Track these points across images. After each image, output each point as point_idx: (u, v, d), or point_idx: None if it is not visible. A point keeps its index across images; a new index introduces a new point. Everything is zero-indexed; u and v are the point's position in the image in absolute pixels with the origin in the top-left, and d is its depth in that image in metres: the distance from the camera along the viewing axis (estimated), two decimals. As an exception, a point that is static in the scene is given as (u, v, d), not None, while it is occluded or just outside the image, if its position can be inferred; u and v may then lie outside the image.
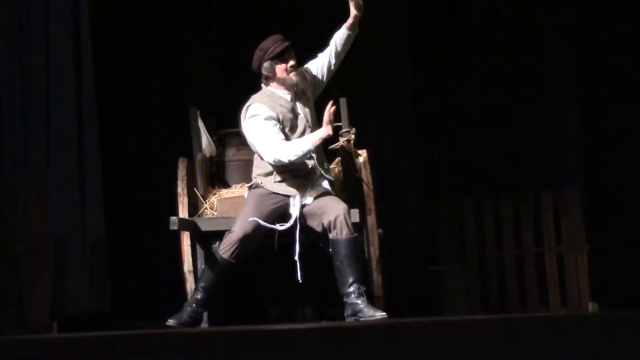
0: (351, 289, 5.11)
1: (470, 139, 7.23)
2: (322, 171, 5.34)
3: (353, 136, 5.41)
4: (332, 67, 5.51)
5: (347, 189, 5.51)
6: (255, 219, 5.19)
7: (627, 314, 3.92)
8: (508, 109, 7.24)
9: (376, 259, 5.37)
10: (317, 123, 5.40)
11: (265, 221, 5.20)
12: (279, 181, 5.32)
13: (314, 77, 5.49)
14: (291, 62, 5.38)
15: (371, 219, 5.38)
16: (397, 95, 7.11)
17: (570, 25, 7.18)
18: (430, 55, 7.27)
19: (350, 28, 5.43)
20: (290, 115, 5.37)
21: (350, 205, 5.38)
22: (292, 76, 5.40)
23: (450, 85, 7.24)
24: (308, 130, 5.38)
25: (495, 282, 6.98)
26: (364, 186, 5.43)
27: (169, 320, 5.19)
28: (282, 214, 5.28)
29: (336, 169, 5.65)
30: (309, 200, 5.25)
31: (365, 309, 5.07)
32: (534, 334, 3.76)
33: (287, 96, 5.41)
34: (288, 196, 5.28)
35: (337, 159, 5.64)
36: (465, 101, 7.23)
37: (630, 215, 6.99)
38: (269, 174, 5.35)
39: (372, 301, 5.23)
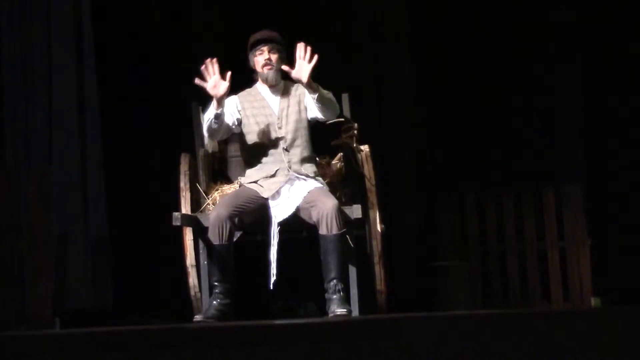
0: (330, 284, 5.10)
1: (471, 134, 7.22)
2: (296, 174, 5.29)
3: (355, 132, 5.41)
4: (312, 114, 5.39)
5: (350, 184, 5.51)
6: (226, 201, 5.21)
7: (630, 309, 3.91)
8: (510, 103, 7.24)
9: (378, 253, 5.37)
10: (299, 130, 5.37)
11: (239, 203, 5.19)
12: (253, 181, 5.32)
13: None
14: (264, 56, 5.35)
15: (373, 214, 5.38)
16: (398, 90, 7.11)
17: (572, 19, 7.19)
18: (431, 50, 7.27)
19: (309, 91, 5.23)
20: (261, 111, 5.37)
21: (353, 200, 5.39)
22: (264, 70, 5.38)
23: (451, 80, 7.23)
24: (276, 129, 5.34)
25: (497, 277, 6.98)
26: (366, 181, 5.43)
27: (196, 316, 5.15)
28: (260, 208, 5.27)
29: (338, 164, 5.65)
30: (287, 211, 5.22)
31: (332, 305, 5.07)
32: (536, 329, 3.76)
33: (267, 92, 5.41)
34: (265, 199, 5.26)
35: (339, 155, 5.64)
36: (467, 96, 7.22)
37: (632, 209, 7.00)
38: (244, 175, 5.40)
39: (375, 299, 5.26)
